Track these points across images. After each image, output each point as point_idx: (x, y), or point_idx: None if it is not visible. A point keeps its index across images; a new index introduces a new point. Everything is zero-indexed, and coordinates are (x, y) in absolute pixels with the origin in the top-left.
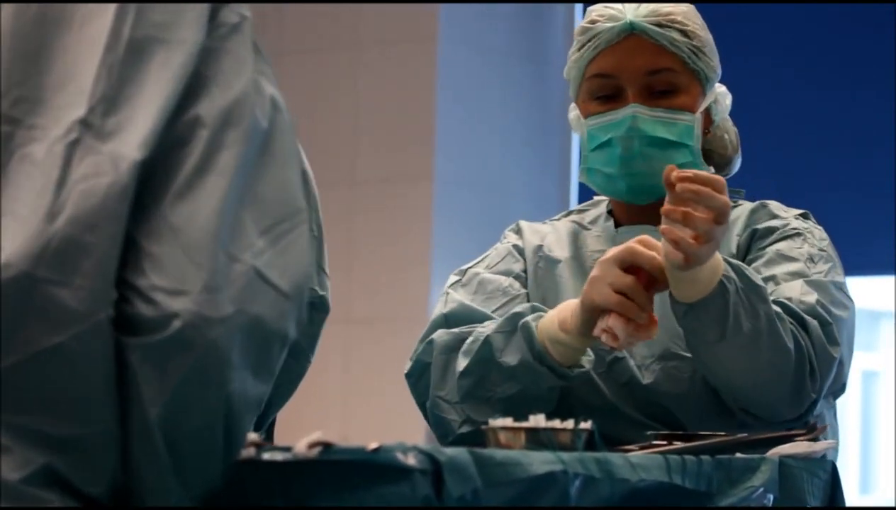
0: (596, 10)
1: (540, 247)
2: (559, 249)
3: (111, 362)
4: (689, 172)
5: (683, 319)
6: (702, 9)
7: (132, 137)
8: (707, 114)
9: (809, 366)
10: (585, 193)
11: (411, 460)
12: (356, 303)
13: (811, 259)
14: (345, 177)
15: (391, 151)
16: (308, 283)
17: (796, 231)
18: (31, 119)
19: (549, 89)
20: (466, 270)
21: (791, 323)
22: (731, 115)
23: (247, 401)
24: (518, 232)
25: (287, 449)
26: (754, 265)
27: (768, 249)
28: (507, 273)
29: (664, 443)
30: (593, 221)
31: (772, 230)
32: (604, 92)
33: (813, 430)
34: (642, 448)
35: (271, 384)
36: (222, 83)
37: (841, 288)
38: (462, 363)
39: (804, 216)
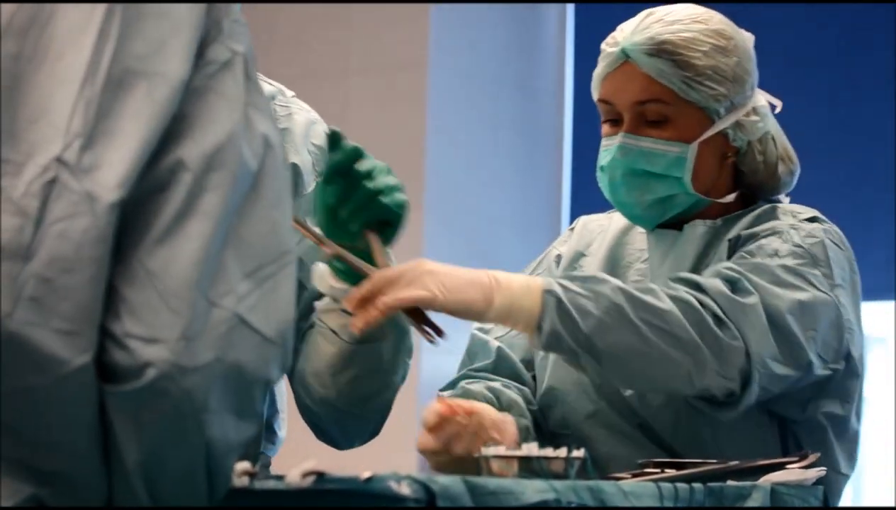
0: (617, 29)
1: (581, 255)
2: (596, 255)
3: (94, 406)
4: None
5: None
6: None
7: (110, 176)
8: (725, 140)
9: (713, 315)
10: (574, 217)
11: (405, 489)
12: None
13: (775, 253)
14: None
15: None
16: (293, 326)
17: (774, 230)
18: (4, 153)
19: (540, 118)
20: None
21: (674, 289)
22: None
23: (229, 444)
24: (570, 234)
25: (280, 477)
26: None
27: (739, 252)
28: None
29: (656, 470)
30: None
31: (754, 236)
32: (609, 116)
33: (805, 458)
34: (634, 475)
35: (257, 424)
36: (208, 124)
37: (798, 272)
38: None
39: (812, 219)
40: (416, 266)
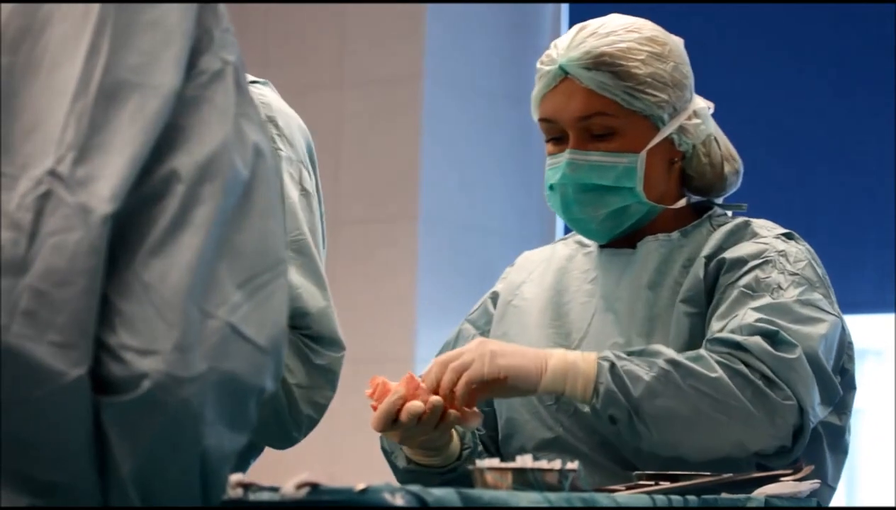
0: (550, 48)
1: (522, 284)
2: (540, 283)
3: (89, 418)
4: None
5: (594, 412)
6: (700, 10)
7: (103, 188)
8: (671, 145)
9: (763, 378)
10: (569, 232)
11: (399, 501)
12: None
13: (779, 287)
14: (329, 217)
15: (376, 192)
16: (286, 335)
17: (766, 259)
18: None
19: (534, 129)
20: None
21: (720, 354)
22: (736, 129)
23: (223, 454)
24: (509, 272)
25: (274, 489)
26: (722, 305)
27: (736, 286)
28: (474, 323)
29: (651, 483)
30: None
31: (741, 262)
32: (552, 134)
33: (799, 470)
34: (629, 488)
35: (249, 435)
36: (200, 134)
37: (810, 303)
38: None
39: (787, 237)
40: (479, 347)
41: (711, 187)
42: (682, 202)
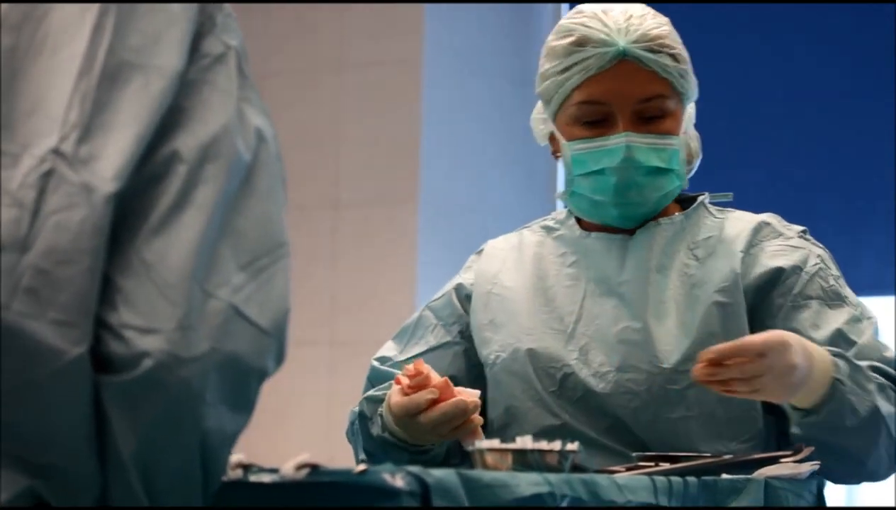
0: (578, 29)
1: (497, 273)
2: (518, 270)
3: (89, 398)
4: (712, 356)
5: (804, 420)
6: (699, 10)
7: (106, 167)
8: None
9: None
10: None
11: (399, 482)
12: (341, 325)
13: (839, 294)
14: (329, 199)
15: (376, 174)
16: (288, 317)
17: (817, 265)
18: (1, 145)
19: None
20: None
21: (890, 387)
22: (736, 119)
23: (224, 436)
24: (476, 261)
25: (274, 470)
26: (803, 313)
27: (807, 296)
28: (436, 313)
29: (651, 464)
30: (561, 221)
31: (797, 269)
32: (592, 117)
33: (799, 452)
34: (629, 469)
35: (250, 417)
36: (203, 116)
37: (856, 309)
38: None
39: (803, 234)
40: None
41: (690, 168)
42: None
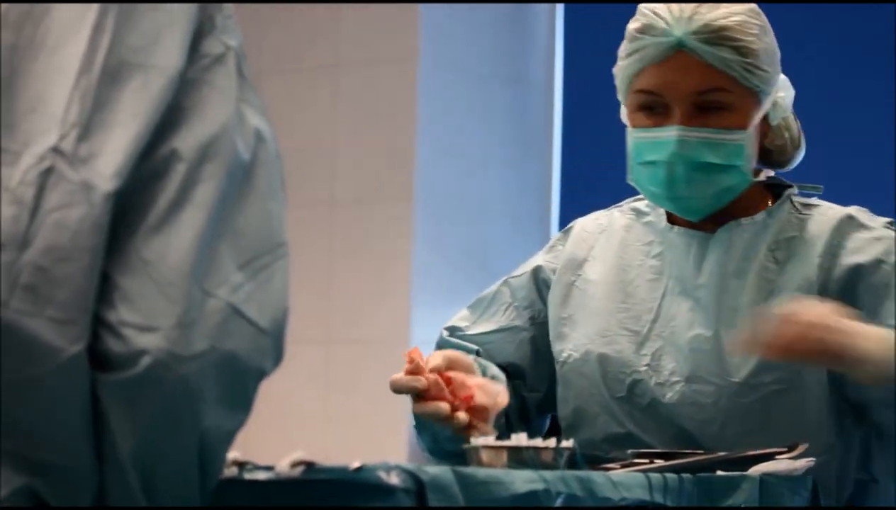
0: (646, 15)
1: (584, 262)
2: (603, 260)
3: (87, 396)
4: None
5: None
6: None
7: (106, 165)
8: (764, 120)
9: None
10: (567, 215)
11: (394, 479)
12: (336, 323)
13: None
14: (324, 197)
15: (371, 172)
16: (287, 317)
17: (882, 261)
18: (1, 143)
19: (530, 109)
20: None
21: None
22: None
23: (222, 434)
24: (562, 240)
25: (269, 468)
26: (882, 309)
27: (886, 285)
28: (513, 293)
29: (646, 461)
30: (652, 206)
31: (878, 262)
32: (649, 105)
33: (794, 448)
34: (624, 466)
35: (248, 415)
36: (202, 115)
37: None
38: None
39: (889, 225)
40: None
41: (787, 162)
42: (762, 176)
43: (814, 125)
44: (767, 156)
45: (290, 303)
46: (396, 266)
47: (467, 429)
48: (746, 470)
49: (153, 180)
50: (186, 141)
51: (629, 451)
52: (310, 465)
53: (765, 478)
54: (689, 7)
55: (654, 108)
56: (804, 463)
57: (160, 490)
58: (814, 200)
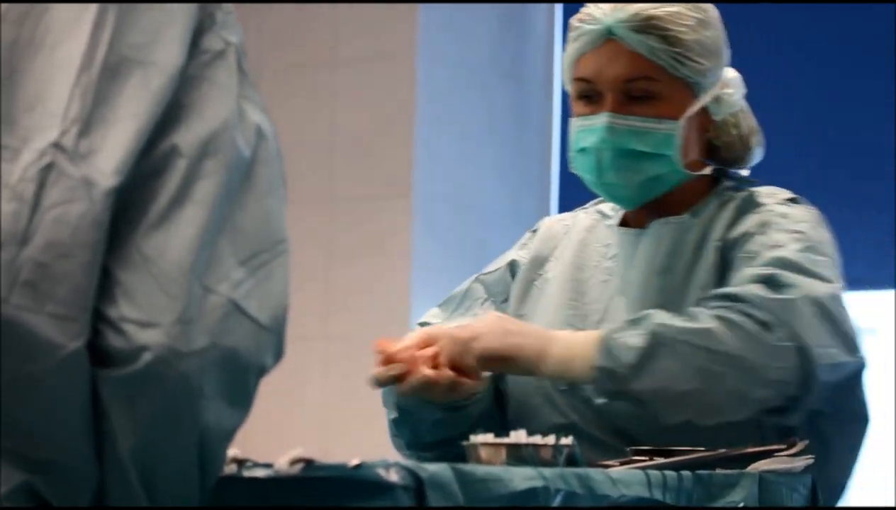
0: (587, 6)
1: (546, 262)
2: (561, 259)
3: (87, 393)
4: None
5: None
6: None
7: (106, 161)
8: (705, 114)
9: (759, 322)
10: (564, 210)
11: (393, 476)
12: (335, 319)
13: (778, 245)
14: (323, 193)
15: (370, 168)
16: (287, 313)
17: (765, 222)
18: (2, 139)
19: (529, 105)
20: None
21: (713, 307)
22: None
23: (222, 431)
24: (531, 239)
25: (268, 465)
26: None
27: (738, 258)
28: (488, 287)
29: (645, 458)
30: (616, 208)
31: (746, 235)
32: (586, 94)
33: (793, 446)
34: (623, 463)
35: (248, 412)
36: (202, 112)
37: (813, 260)
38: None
39: (792, 201)
40: (494, 323)
41: (738, 159)
42: (707, 170)
43: (814, 125)
44: (716, 152)
45: (290, 299)
46: (396, 263)
47: (454, 388)
48: (745, 467)
49: (154, 176)
50: (187, 137)
51: (628, 449)
52: (309, 463)
53: (763, 476)
54: None
55: (591, 97)
56: (803, 460)
57: (160, 487)
58: (744, 190)
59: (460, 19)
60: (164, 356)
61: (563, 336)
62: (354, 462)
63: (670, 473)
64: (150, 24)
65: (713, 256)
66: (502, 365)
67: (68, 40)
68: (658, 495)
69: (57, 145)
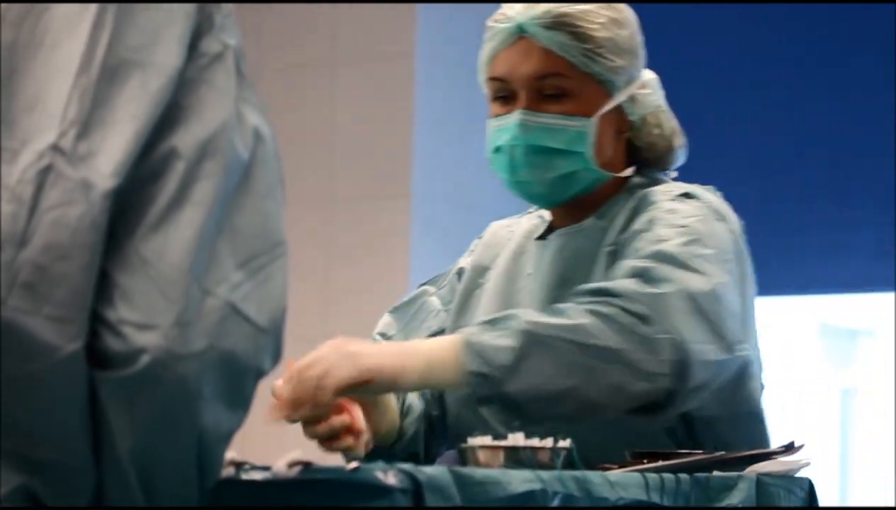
0: (503, 7)
1: (487, 271)
2: (497, 270)
3: (85, 395)
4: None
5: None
6: (699, 9)
7: (105, 163)
8: (621, 113)
9: (633, 315)
10: None
11: (391, 479)
12: (333, 319)
13: (661, 239)
14: (323, 194)
15: (369, 169)
16: (285, 316)
17: (651, 220)
18: (1, 141)
19: None
20: (420, 288)
21: (584, 302)
22: (730, 112)
23: (220, 433)
24: (478, 245)
25: (266, 468)
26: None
27: (624, 256)
28: (442, 298)
29: (643, 461)
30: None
31: (634, 234)
32: (501, 93)
33: (791, 448)
34: (621, 466)
35: (246, 414)
36: (201, 114)
37: (695, 253)
38: None
39: (685, 196)
40: (336, 349)
41: (661, 159)
42: (628, 171)
43: (814, 125)
44: (639, 152)
45: (289, 300)
46: (395, 263)
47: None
48: (743, 470)
49: (152, 179)
50: (185, 139)
51: (626, 451)
52: (307, 465)
53: (761, 479)
54: None
55: (506, 97)
56: (801, 463)
57: (158, 488)
58: (643, 190)
59: (459, 22)
60: (162, 358)
61: (422, 347)
62: (353, 465)
63: (668, 476)
64: (149, 25)
65: (605, 261)
66: (362, 390)
67: (67, 41)
68: (656, 498)
69: (55, 147)
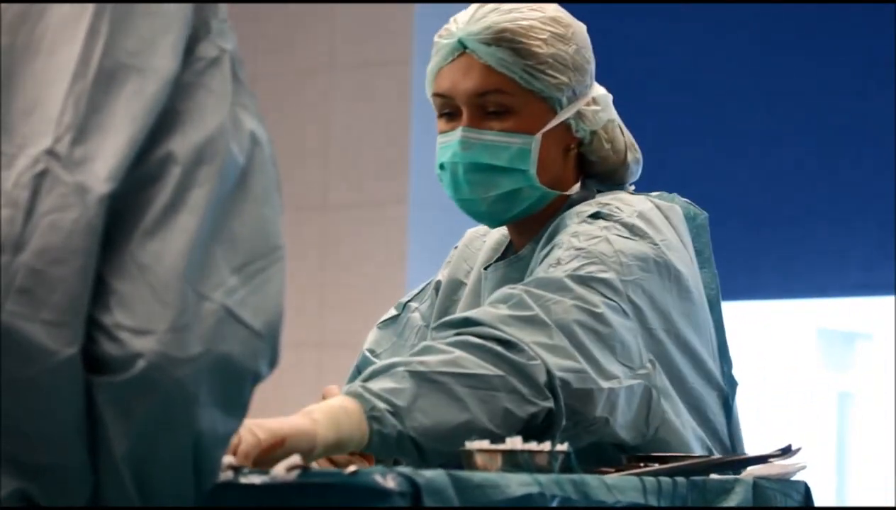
0: (448, 22)
1: (459, 288)
2: (471, 280)
3: (81, 398)
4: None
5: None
6: (699, 9)
7: (101, 168)
8: (567, 130)
9: (500, 342)
10: None
11: (390, 482)
12: (330, 326)
13: (558, 262)
14: (319, 200)
15: (366, 175)
16: (282, 321)
17: (553, 247)
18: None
19: None
20: (405, 304)
21: (445, 337)
22: (732, 115)
23: (216, 438)
24: (454, 256)
25: (265, 472)
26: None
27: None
28: (423, 315)
29: (640, 464)
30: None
31: (540, 261)
32: (446, 110)
33: (787, 452)
34: (618, 470)
35: (243, 419)
36: (197, 119)
37: (587, 278)
38: None
39: (594, 216)
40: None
41: (614, 174)
42: (575, 188)
43: (814, 126)
44: (590, 167)
45: (285, 306)
46: (391, 269)
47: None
48: (740, 473)
49: (148, 183)
50: (181, 144)
51: (623, 456)
52: (305, 469)
53: (758, 482)
54: (482, 11)
55: (451, 114)
56: (797, 466)
57: (155, 492)
58: (573, 209)
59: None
60: (158, 363)
61: (322, 405)
62: (351, 468)
63: (665, 479)
64: (146, 30)
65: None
66: (276, 454)
67: (64, 46)
68: (653, 501)
69: (51, 152)
